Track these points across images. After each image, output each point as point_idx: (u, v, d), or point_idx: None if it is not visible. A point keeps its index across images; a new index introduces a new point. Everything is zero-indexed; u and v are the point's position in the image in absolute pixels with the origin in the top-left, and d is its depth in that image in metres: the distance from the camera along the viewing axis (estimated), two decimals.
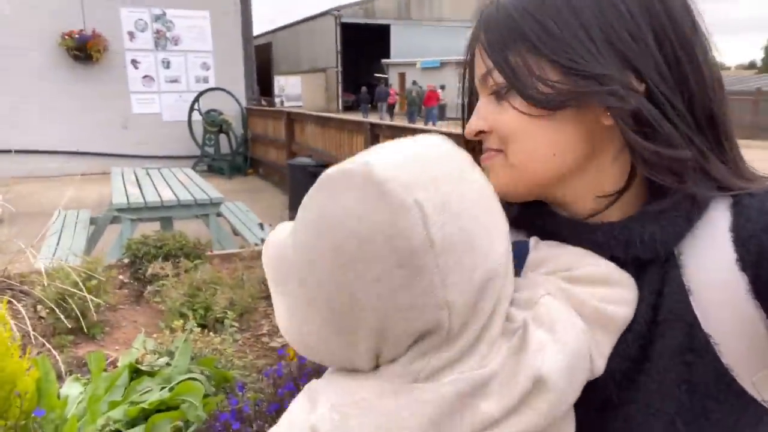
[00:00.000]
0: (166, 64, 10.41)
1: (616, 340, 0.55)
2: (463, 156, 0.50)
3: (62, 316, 2.40)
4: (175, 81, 10.50)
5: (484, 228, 0.46)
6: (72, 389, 2.01)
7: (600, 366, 0.53)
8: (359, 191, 0.42)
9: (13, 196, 7.39)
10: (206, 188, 5.26)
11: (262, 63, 14.19)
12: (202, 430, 1.70)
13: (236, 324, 2.57)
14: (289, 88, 23.66)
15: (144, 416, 1.69)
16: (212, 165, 10.12)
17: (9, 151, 7.08)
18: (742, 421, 0.53)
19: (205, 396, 1.91)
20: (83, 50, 9.54)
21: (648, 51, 0.51)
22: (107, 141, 9.92)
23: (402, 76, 26.87)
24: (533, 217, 0.62)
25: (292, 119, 8.83)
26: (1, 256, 3.10)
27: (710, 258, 0.53)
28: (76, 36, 9.50)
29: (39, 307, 2.66)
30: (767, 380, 0.52)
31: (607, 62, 0.51)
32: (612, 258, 0.56)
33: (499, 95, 0.56)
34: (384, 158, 0.44)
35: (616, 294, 0.54)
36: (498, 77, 0.55)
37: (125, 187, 5.12)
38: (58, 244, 4.50)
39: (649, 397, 0.54)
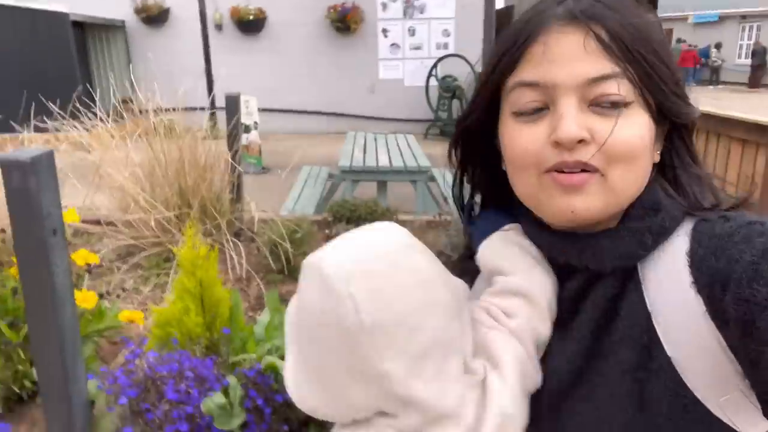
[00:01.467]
0: (412, 32, 11.14)
1: (561, 349, 0.59)
2: (407, 244, 0.57)
3: (270, 260, 3.09)
4: (418, 48, 11.20)
5: (416, 309, 0.54)
6: (265, 316, 2.65)
7: (539, 379, 0.60)
8: (315, 283, 0.54)
9: (282, 148, 9.01)
10: (419, 156, 5.74)
11: (501, 28, 13.96)
12: None
13: None
14: None
15: None
16: (444, 129, 10.68)
17: (275, 110, 8.62)
18: None
19: None
20: (344, 22, 10.79)
21: None
22: (357, 103, 11.16)
23: (669, 32, 23.70)
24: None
25: None
26: (244, 204, 4.01)
27: (670, 279, 0.55)
28: (339, 9, 10.79)
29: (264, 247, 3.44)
30: (733, 404, 0.51)
31: None
32: (568, 265, 0.60)
33: (613, 107, 0.54)
34: (333, 254, 0.55)
35: (534, 311, 0.61)
36: (622, 85, 0.54)
37: (353, 151, 5.91)
38: (299, 196, 5.49)
39: (601, 407, 0.57)
